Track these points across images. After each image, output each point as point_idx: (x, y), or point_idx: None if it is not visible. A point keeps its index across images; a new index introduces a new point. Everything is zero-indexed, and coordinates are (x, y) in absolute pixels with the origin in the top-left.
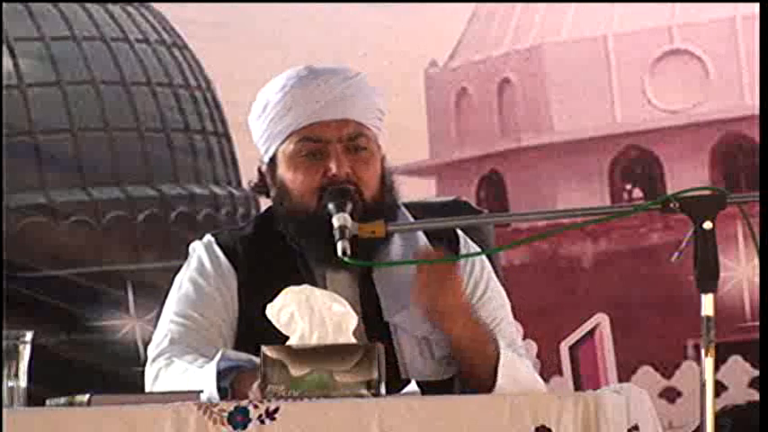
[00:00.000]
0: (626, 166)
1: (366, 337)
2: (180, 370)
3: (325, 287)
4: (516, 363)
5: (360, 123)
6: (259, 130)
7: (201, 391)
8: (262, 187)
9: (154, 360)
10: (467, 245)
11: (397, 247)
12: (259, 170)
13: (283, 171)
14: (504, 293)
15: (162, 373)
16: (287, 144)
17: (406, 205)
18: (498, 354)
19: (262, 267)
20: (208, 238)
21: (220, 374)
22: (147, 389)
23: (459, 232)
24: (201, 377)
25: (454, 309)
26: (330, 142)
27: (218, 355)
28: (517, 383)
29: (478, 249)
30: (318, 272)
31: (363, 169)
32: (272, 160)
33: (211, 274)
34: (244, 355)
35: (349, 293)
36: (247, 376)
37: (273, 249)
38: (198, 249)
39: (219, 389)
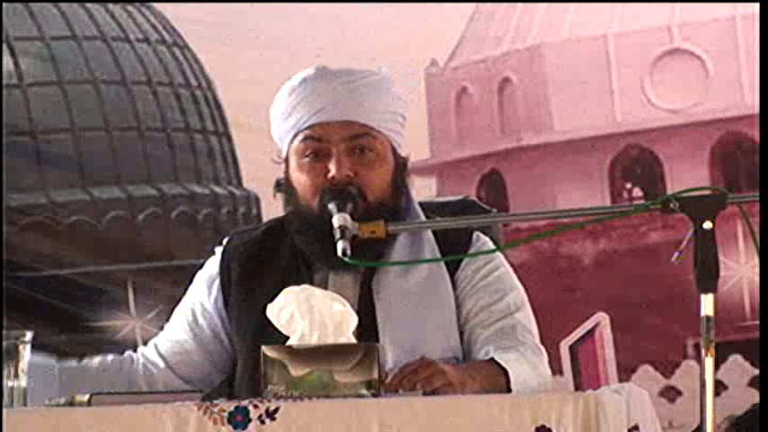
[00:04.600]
0: (626, 166)
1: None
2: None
3: (326, 288)
4: (524, 375)
5: (365, 125)
6: (274, 129)
7: (202, 391)
8: (282, 187)
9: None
10: (480, 243)
11: (402, 248)
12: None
13: (291, 170)
14: (520, 290)
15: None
16: (295, 143)
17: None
18: (507, 376)
19: (260, 272)
20: (219, 249)
21: None
22: None
23: (476, 233)
24: None
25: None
26: (332, 143)
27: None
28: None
29: (493, 246)
30: (321, 273)
31: (366, 171)
32: (287, 160)
33: (202, 291)
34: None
35: (350, 296)
36: None
37: (279, 251)
38: (211, 257)
39: None
